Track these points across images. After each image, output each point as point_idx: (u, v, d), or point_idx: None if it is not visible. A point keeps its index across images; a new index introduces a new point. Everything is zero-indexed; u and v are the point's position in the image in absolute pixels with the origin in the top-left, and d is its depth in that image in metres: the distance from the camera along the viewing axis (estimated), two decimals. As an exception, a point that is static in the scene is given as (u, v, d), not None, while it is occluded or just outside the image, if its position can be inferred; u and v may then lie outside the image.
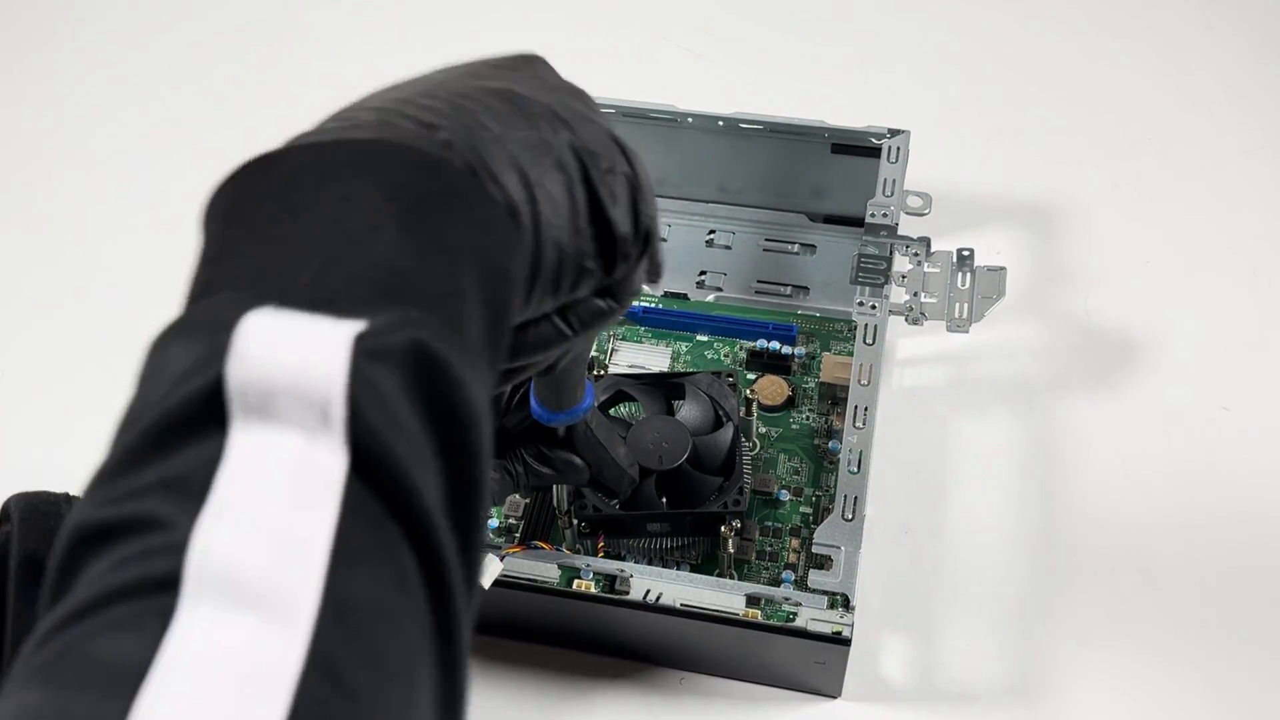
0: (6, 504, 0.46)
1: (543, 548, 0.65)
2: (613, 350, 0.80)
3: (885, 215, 0.75)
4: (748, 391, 0.76)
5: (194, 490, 0.27)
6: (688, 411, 0.71)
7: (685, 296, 0.83)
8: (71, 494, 0.45)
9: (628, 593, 0.63)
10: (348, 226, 0.31)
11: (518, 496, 0.73)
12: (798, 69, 1.01)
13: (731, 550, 0.67)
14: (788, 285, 0.83)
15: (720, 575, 0.67)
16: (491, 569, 0.62)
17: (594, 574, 0.63)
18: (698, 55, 1.02)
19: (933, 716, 0.67)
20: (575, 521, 0.67)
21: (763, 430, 0.76)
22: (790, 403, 0.77)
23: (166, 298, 0.94)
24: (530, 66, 0.42)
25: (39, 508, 0.44)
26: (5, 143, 0.98)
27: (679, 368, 0.79)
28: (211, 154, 0.94)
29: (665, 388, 0.72)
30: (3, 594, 0.41)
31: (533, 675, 0.69)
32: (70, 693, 0.24)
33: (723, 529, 0.67)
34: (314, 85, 0.99)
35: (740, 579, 0.68)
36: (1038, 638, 0.69)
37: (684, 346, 0.81)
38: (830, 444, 0.75)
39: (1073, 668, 0.68)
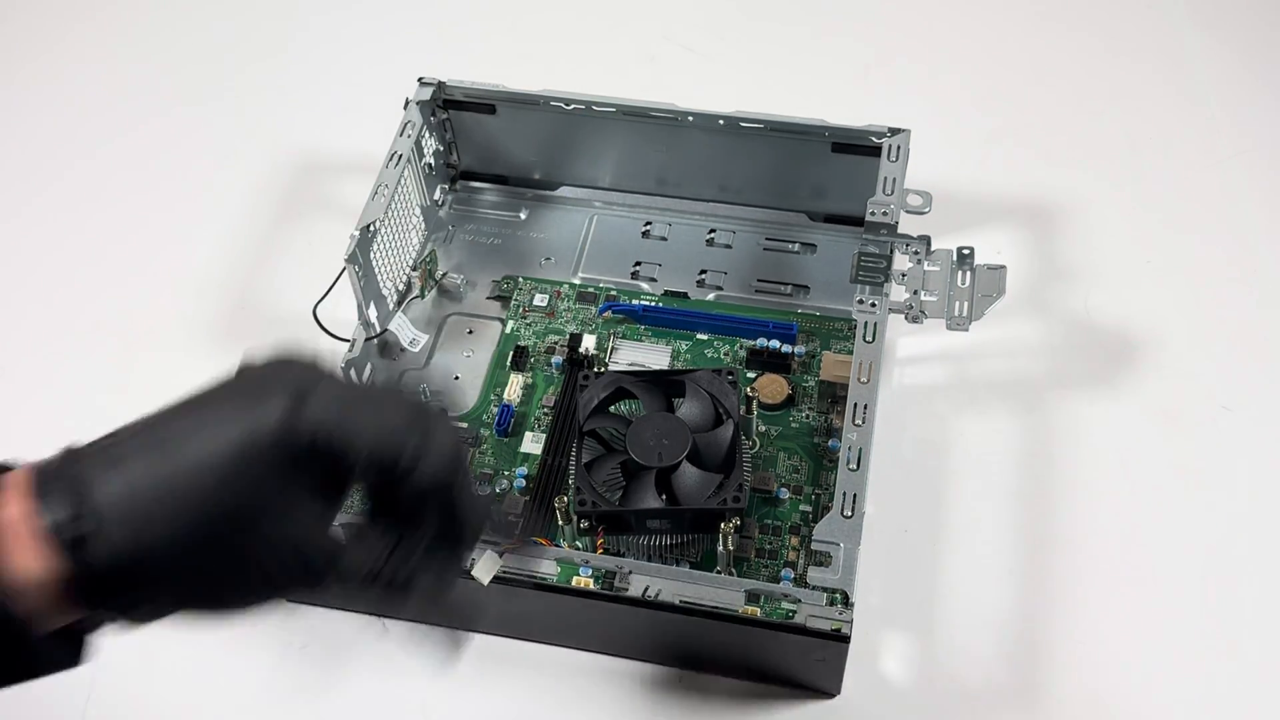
0: None
1: (542, 544, 0.64)
2: (613, 348, 0.80)
3: (885, 214, 0.75)
4: (748, 390, 0.76)
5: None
6: (688, 409, 0.71)
7: (685, 295, 0.83)
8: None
9: (627, 589, 0.63)
10: None
11: (516, 494, 0.73)
12: (798, 68, 1.01)
13: (731, 547, 0.67)
14: (788, 284, 0.84)
15: (720, 572, 0.67)
16: (490, 566, 0.62)
17: (593, 571, 0.63)
18: (698, 54, 1.02)
19: (931, 715, 0.67)
20: (575, 518, 0.67)
21: (762, 428, 0.76)
22: (790, 401, 0.77)
23: (164, 296, 0.93)
24: None
25: None
26: (6, 144, 0.98)
27: (679, 366, 0.79)
28: (212, 155, 0.95)
29: (665, 385, 0.72)
30: None
31: (533, 675, 0.69)
32: None
33: (722, 526, 0.67)
34: (310, 86, 1.00)
35: (740, 576, 0.68)
36: (1037, 636, 0.69)
37: (684, 345, 0.81)
38: (830, 442, 0.75)
39: (1072, 666, 0.68)
